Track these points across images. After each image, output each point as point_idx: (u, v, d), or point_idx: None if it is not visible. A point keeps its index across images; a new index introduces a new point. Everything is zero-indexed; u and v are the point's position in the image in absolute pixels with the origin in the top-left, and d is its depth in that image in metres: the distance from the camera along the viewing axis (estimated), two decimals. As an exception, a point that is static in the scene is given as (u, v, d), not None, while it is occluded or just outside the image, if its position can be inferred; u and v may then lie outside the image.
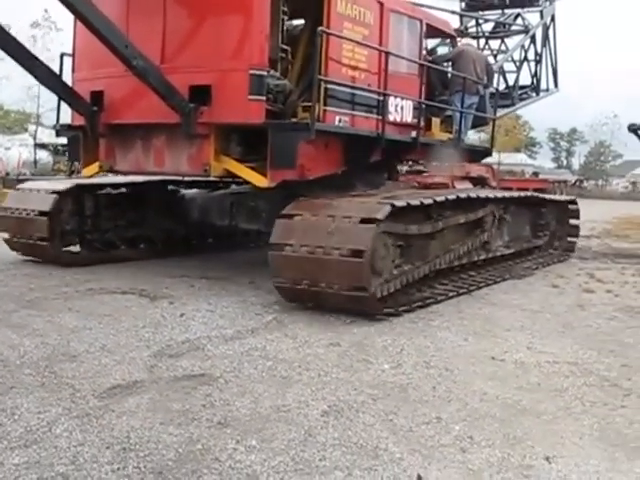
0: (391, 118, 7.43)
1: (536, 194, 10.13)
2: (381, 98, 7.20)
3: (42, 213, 7.51)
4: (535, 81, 13.25)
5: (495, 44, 13.21)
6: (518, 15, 13.19)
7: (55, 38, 25.81)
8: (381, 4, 7.27)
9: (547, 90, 13.48)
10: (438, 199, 6.51)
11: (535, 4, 13.12)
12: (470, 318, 5.94)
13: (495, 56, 12.85)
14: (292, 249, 5.64)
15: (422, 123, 8.02)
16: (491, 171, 9.86)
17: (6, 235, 8.10)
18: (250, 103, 6.08)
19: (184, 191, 8.74)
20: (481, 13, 13.44)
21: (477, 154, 10.14)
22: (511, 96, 12.56)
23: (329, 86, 6.57)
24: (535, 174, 44.48)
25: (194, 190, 8.73)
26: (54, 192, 7.66)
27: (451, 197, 6.83)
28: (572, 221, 10.47)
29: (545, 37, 13.12)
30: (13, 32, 6.60)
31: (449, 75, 9.26)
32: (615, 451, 3.26)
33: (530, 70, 13.10)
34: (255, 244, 9.53)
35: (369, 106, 7.20)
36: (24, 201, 7.80)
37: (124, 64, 5.96)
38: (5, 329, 4.98)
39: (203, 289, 6.73)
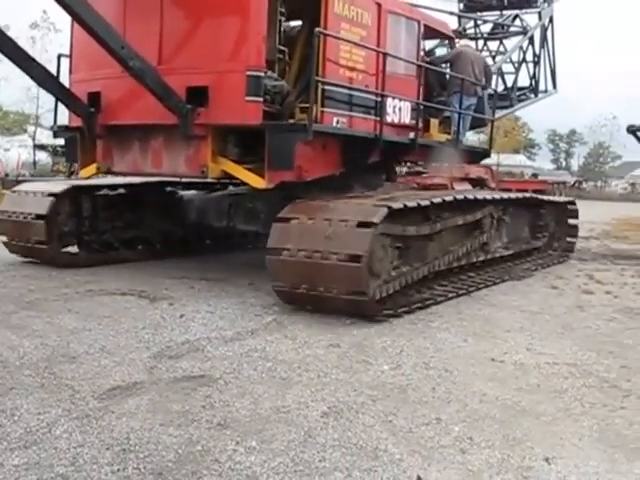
0: (389, 119, 7.44)
1: (535, 195, 10.14)
2: (379, 99, 7.20)
3: (39, 216, 7.49)
4: (534, 82, 13.27)
5: (493, 45, 13.24)
6: (516, 16, 13.21)
7: (54, 39, 25.88)
8: (379, 5, 7.28)
9: (545, 91, 13.49)
10: (435, 201, 6.49)
11: (533, 5, 13.13)
12: (469, 319, 5.95)
13: (494, 57, 12.86)
14: (289, 253, 5.61)
15: (420, 124, 8.02)
16: (490, 172, 9.87)
17: (4, 238, 8.09)
18: (247, 104, 6.08)
19: (182, 192, 8.73)
20: (479, 14, 13.45)
21: (476, 155, 10.15)
22: (509, 97, 12.57)
23: (326, 87, 6.57)
24: (534, 175, 44.49)
25: (192, 191, 8.72)
26: (50, 194, 7.63)
27: (448, 199, 6.81)
28: (571, 221, 10.48)
29: (543, 38, 13.13)
30: (12, 33, 6.62)
31: (447, 76, 9.27)
32: (615, 452, 3.26)
33: (528, 71, 13.12)
34: (253, 245, 9.53)
35: (367, 107, 7.20)
36: (21, 204, 7.77)
37: (121, 65, 5.96)
38: (5, 330, 4.98)
39: (203, 290, 6.73)
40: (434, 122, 8.70)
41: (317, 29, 6.27)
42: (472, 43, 12.41)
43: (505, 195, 8.87)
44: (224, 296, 6.47)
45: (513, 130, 50.99)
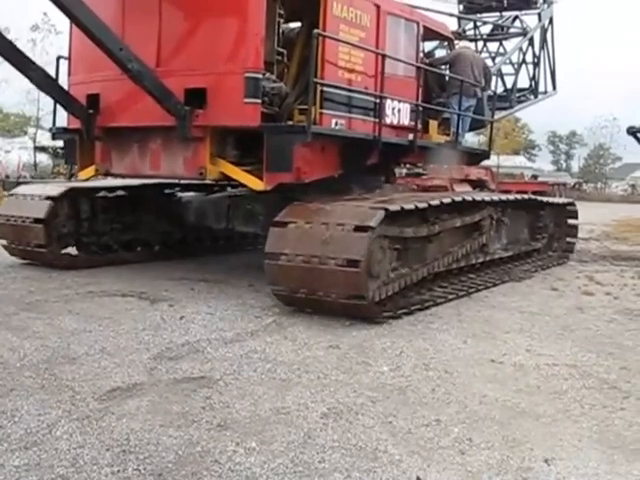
0: (388, 121, 7.42)
1: (534, 197, 10.14)
2: (378, 101, 7.19)
3: (38, 220, 7.49)
4: (533, 83, 13.28)
5: (493, 47, 13.26)
6: (516, 18, 13.22)
7: (54, 41, 25.92)
8: (378, 7, 7.28)
9: (545, 92, 13.49)
10: (433, 203, 6.47)
11: (533, 7, 13.13)
12: (469, 321, 5.95)
13: (493, 59, 12.88)
14: (287, 258, 5.60)
15: (419, 126, 8.02)
16: (490, 174, 9.89)
17: (4, 242, 8.10)
18: (246, 106, 6.08)
19: (180, 194, 8.74)
20: (479, 16, 13.46)
21: (475, 157, 10.15)
22: (509, 99, 12.59)
23: (325, 89, 6.56)
24: (534, 177, 44.52)
25: (190, 193, 8.73)
26: (48, 198, 7.62)
27: (446, 201, 6.78)
28: (570, 221, 10.49)
29: (543, 39, 13.14)
30: (13, 35, 6.63)
31: (446, 78, 9.28)
32: (614, 453, 3.27)
33: (528, 72, 13.13)
34: (253, 247, 9.53)
35: (366, 109, 7.20)
36: (19, 208, 7.76)
37: (119, 67, 5.97)
38: (5, 331, 4.99)
39: (202, 292, 6.74)
40: (433, 123, 8.70)
41: (316, 31, 6.26)
42: (472, 44, 12.44)
43: (502, 197, 8.87)
44: (224, 297, 6.47)
45: (513, 131, 51.04)
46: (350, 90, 6.93)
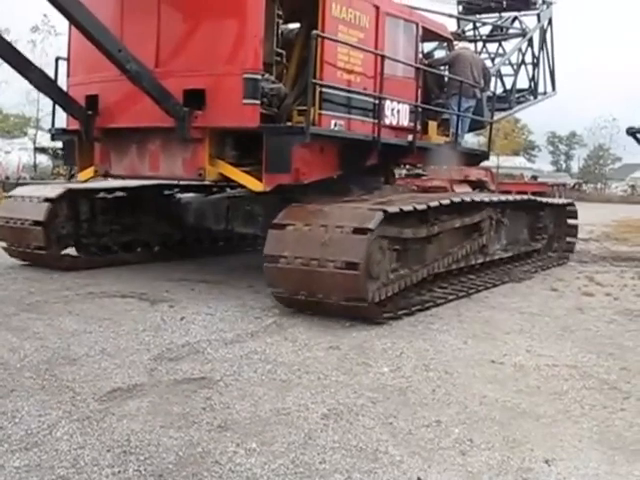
0: (387, 122, 7.42)
1: (533, 197, 10.14)
2: (377, 102, 7.19)
3: (36, 223, 7.48)
4: (533, 84, 13.28)
5: (493, 47, 13.27)
6: (515, 18, 13.23)
7: (54, 43, 25.92)
8: (377, 7, 7.27)
9: (545, 93, 13.50)
10: (432, 204, 6.45)
11: (532, 7, 13.14)
12: (469, 321, 5.95)
13: (493, 59, 12.89)
14: (286, 261, 5.58)
15: (419, 127, 8.01)
16: (490, 174, 9.89)
17: (4, 244, 8.09)
18: (245, 107, 6.07)
19: (180, 195, 8.74)
20: (478, 16, 13.46)
21: (474, 157, 10.15)
22: (508, 99, 12.59)
23: (324, 90, 6.56)
24: (534, 177, 44.53)
25: (190, 194, 8.72)
26: (47, 200, 7.61)
27: (445, 202, 6.76)
28: (570, 221, 10.49)
29: (542, 40, 13.15)
30: (13, 36, 6.64)
31: (446, 79, 9.28)
32: (614, 454, 3.27)
33: (527, 73, 13.13)
34: (252, 248, 9.53)
35: (365, 110, 7.19)
36: (18, 210, 7.75)
37: (118, 68, 5.96)
38: (5, 332, 4.99)
39: (202, 293, 6.74)
40: (433, 124, 8.70)
41: (314, 31, 6.25)
42: (471, 45, 12.45)
43: (502, 197, 8.86)
44: (224, 298, 6.47)
45: (513, 132, 51.00)
46: (349, 91, 6.92)
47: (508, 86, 12.70)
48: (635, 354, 5.07)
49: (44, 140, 28.45)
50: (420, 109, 8.08)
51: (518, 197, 9.63)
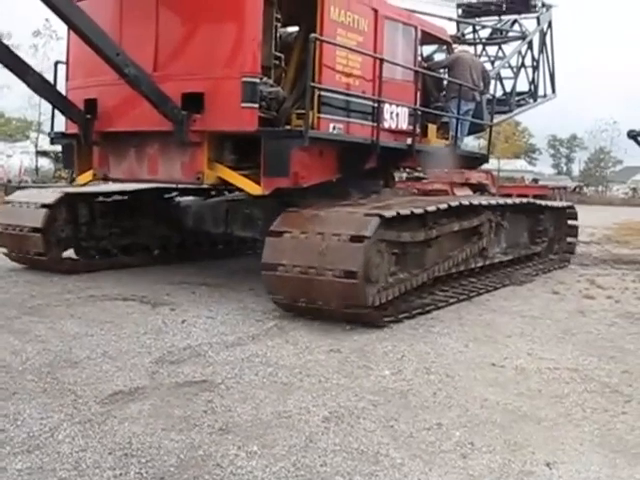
0: (386, 125, 7.41)
1: (532, 201, 10.13)
2: (376, 105, 7.18)
3: (35, 229, 7.48)
4: (532, 87, 13.29)
5: (492, 50, 13.26)
6: (515, 21, 13.23)
7: (55, 47, 25.99)
8: (375, 11, 7.27)
9: (545, 96, 13.51)
10: (429, 209, 6.41)
11: (532, 10, 13.15)
12: (470, 324, 5.95)
13: (492, 62, 12.88)
14: (285, 269, 5.57)
15: (418, 130, 8.01)
16: (490, 177, 9.88)
17: (4, 249, 8.10)
18: (243, 111, 6.07)
19: (179, 198, 8.74)
20: (478, 20, 13.47)
21: (474, 161, 10.15)
22: (508, 102, 12.59)
23: (323, 93, 6.55)
24: (535, 180, 44.50)
25: (189, 197, 8.72)
26: (44, 205, 7.60)
27: (442, 206, 6.72)
28: (570, 222, 10.49)
29: (542, 43, 13.15)
30: (14, 41, 6.66)
31: (445, 82, 9.29)
32: (616, 457, 3.27)
33: (527, 76, 13.13)
34: (252, 251, 9.53)
35: (364, 113, 7.18)
36: (16, 216, 7.74)
37: (116, 72, 5.97)
38: (7, 335, 5.00)
39: (203, 296, 6.75)
40: (432, 127, 8.69)
41: (312, 35, 6.25)
42: (471, 48, 12.47)
43: (501, 201, 8.83)
44: (225, 301, 6.48)
45: (513, 135, 51.08)
46: (348, 94, 6.92)
47: (508, 89, 12.70)
48: (636, 357, 5.07)
49: (46, 144, 28.46)
50: (419, 112, 8.07)
51: (517, 200, 9.60)
